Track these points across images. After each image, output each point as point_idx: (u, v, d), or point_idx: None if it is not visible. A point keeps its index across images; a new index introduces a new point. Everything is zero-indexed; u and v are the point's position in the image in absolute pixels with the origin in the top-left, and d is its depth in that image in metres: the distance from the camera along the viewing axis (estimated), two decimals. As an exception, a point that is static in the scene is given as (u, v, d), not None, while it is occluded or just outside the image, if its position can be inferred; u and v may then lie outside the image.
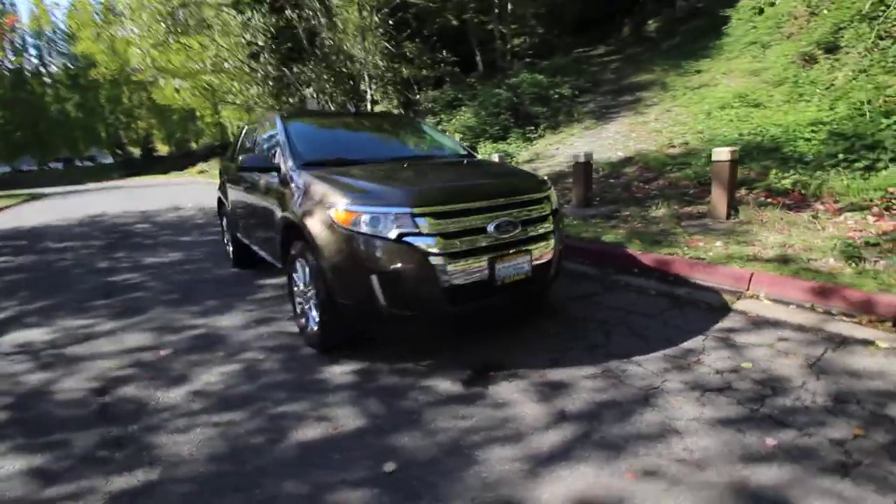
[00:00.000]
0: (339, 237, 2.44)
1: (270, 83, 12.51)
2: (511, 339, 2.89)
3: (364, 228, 2.40)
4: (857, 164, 4.78)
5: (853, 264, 3.27)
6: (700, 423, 1.98)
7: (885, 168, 4.57)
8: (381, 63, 13.36)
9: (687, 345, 2.68)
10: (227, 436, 2.10)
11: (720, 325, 2.92)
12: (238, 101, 13.89)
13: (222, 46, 11.96)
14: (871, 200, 4.27)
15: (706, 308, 3.19)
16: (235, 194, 4.44)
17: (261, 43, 11.68)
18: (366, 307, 2.46)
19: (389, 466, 1.83)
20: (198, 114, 30.66)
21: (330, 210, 2.50)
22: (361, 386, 2.46)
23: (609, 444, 1.88)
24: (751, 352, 2.56)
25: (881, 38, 7.09)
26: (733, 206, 4.66)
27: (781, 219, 4.34)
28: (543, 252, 2.75)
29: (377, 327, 3.04)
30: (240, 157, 3.33)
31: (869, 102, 6.20)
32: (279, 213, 3.08)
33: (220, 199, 5.19)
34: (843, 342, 2.59)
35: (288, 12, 12.17)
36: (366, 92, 13.92)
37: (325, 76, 12.52)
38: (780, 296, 3.23)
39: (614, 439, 1.91)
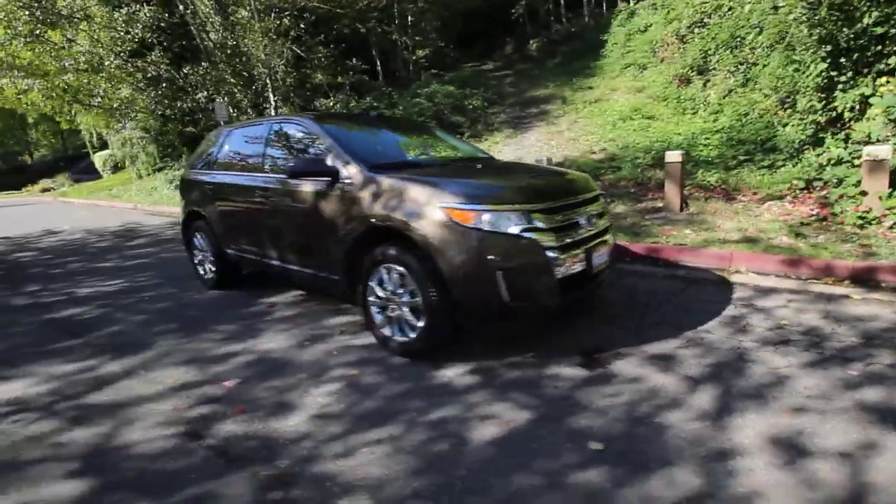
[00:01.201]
0: (462, 236, 2.46)
1: (164, 85, 11.06)
2: (580, 327, 3.14)
3: (486, 226, 2.46)
4: (762, 164, 5.99)
5: (802, 239, 4.17)
6: (795, 368, 2.44)
7: (783, 166, 5.83)
8: (281, 67, 12.69)
9: (728, 313, 3.20)
10: (405, 449, 2.00)
11: (736, 295, 3.51)
12: (115, 105, 12.01)
13: (98, 41, 10.25)
14: (781, 191, 5.41)
15: (714, 284, 3.79)
16: (232, 207, 4.00)
17: (150, 40, 10.30)
18: (489, 303, 2.50)
19: (596, 445, 1.94)
20: (30, 120, 25.67)
21: (443, 210, 2.50)
22: (490, 384, 2.50)
23: (750, 395, 2.23)
24: (777, 312, 3.16)
25: (741, 64, 8.89)
26: (684, 200, 5.51)
27: (724, 209, 5.28)
28: (610, 242, 3.06)
29: (485, 326, 3.04)
30: (290, 164, 3.06)
31: (746, 115, 7.75)
32: (346, 220, 2.93)
33: (191, 213, 4.59)
34: (830, 298, 3.33)
35: (181, 7, 10.98)
36: (268, 98, 13.11)
37: (232, 80, 11.49)
38: (759, 269, 3.98)
39: (749, 390, 2.27)
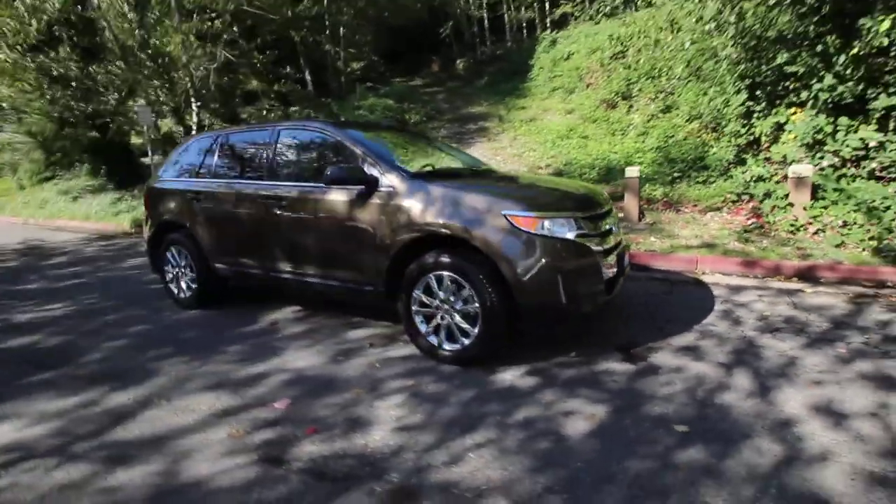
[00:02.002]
0: (526, 242, 2.57)
1: (74, 85, 9.75)
2: (602, 327, 3.38)
3: (547, 232, 2.60)
4: (697, 179, 6.83)
5: (749, 244, 4.85)
6: (797, 350, 2.86)
7: (715, 181, 6.69)
8: (202, 71, 11.88)
9: (718, 308, 3.63)
10: (510, 450, 2.05)
11: (716, 293, 3.99)
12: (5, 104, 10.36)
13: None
14: (717, 203, 6.22)
15: (693, 285, 4.27)
16: (227, 217, 3.72)
17: (59, 33, 9.07)
18: (549, 306, 2.63)
19: (682, 428, 2.15)
20: None
21: (507, 217, 2.60)
22: (552, 383, 2.61)
23: (775, 374, 2.58)
24: (755, 306, 3.65)
25: (661, 92, 10.06)
26: (641, 211, 6.11)
27: (676, 219, 5.94)
28: (628, 248, 3.37)
29: (541, 329, 3.10)
30: (327, 170, 2.94)
31: (672, 137, 8.76)
32: (391, 229, 2.90)
33: (163, 224, 4.17)
34: (789, 292, 3.92)
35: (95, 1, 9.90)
36: (190, 103, 12.18)
37: (156, 82, 10.48)
38: (722, 270, 4.56)
39: (773, 370, 2.62)
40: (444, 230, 2.74)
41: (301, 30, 14.99)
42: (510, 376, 2.71)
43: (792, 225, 5.04)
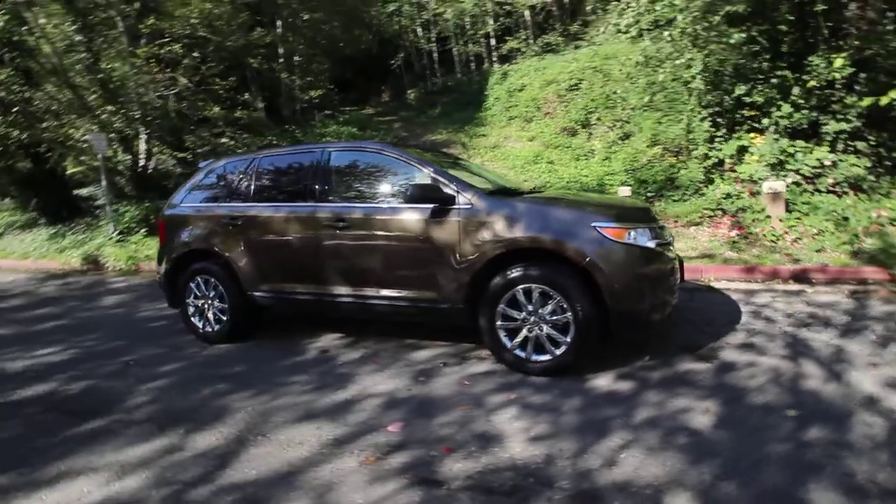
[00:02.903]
0: (618, 251, 2.72)
1: (17, 110, 8.80)
2: (656, 332, 3.58)
3: (634, 242, 2.77)
4: (672, 198, 7.44)
5: (742, 253, 5.36)
6: (836, 340, 3.20)
7: (689, 199, 7.33)
8: (146, 98, 11.28)
9: (746, 310, 3.97)
10: (657, 448, 2.13)
11: (734, 297, 4.36)
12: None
13: None
14: (697, 219, 6.81)
15: (708, 291, 4.64)
16: (274, 240, 3.57)
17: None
18: (639, 311, 2.78)
19: (792, 412, 2.34)
20: None
21: (598, 229, 2.74)
22: (648, 385, 2.73)
23: (835, 360, 2.88)
24: (775, 305, 4.04)
25: (618, 120, 10.91)
26: (633, 228, 6.54)
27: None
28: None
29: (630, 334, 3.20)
30: (408, 189, 2.94)
31: (636, 160, 9.50)
32: (474, 245, 2.94)
33: (187, 254, 3.90)
34: (796, 293, 4.38)
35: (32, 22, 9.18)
36: (138, 131, 11.49)
37: (110, 107, 9.74)
38: (726, 277, 5.00)
39: (830, 357, 2.92)
40: (533, 244, 2.83)
41: (255, 57, 14.71)
42: (604, 382, 2.81)
43: (774, 235, 5.64)
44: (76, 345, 4.14)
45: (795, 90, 5.96)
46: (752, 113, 6.80)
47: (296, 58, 16.48)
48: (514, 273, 2.88)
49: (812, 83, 5.65)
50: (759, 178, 6.41)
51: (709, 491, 1.83)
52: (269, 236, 3.62)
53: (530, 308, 2.88)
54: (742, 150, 6.86)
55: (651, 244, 2.84)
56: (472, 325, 3.11)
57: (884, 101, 4.92)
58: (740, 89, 6.69)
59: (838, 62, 5.23)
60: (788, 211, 5.78)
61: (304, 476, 2.09)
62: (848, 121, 5.69)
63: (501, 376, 2.96)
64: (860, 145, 5.78)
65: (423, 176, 3.20)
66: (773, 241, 5.60)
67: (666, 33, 7.03)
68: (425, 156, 3.58)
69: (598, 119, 11.58)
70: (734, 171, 6.96)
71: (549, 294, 2.82)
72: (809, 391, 2.55)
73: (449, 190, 3.08)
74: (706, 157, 7.29)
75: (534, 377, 2.90)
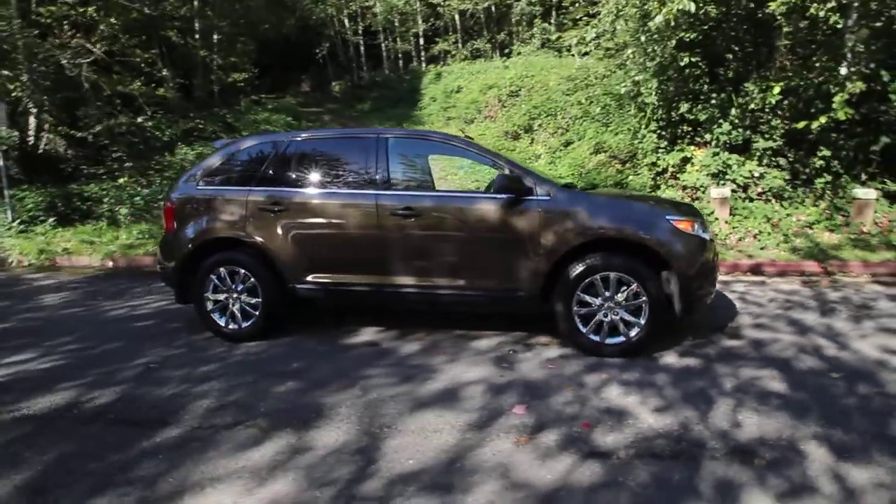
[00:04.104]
0: (690, 241, 3.06)
1: None
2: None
3: (698, 233, 3.12)
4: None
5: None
6: (826, 315, 3.87)
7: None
8: (40, 67, 9.69)
9: (734, 297, 4.58)
10: (775, 408, 2.46)
11: (738, 288, 4.98)
12: None
13: None
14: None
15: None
16: (326, 229, 3.36)
17: None
18: (700, 294, 3.14)
19: (835, 374, 2.83)
20: None
21: (669, 222, 3.05)
22: (709, 360, 3.08)
23: (839, 333, 3.48)
24: (754, 292, 4.72)
25: (560, 128, 11.72)
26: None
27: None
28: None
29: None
30: (494, 180, 2.96)
31: (582, 166, 10.30)
32: (556, 235, 3.08)
33: (205, 243, 3.51)
34: (759, 283, 5.16)
35: None
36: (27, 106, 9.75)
37: (6, 72, 8.02)
38: (695, 270, 5.71)
39: (836, 330, 3.53)
40: (619, 234, 3.05)
41: (172, 30, 13.19)
42: (672, 360, 3.12)
43: (723, 235, 6.55)
44: (58, 350, 3.49)
45: (733, 111, 6.98)
46: (689, 129, 7.82)
47: (215, 35, 15.05)
48: (594, 261, 3.08)
49: (752, 106, 6.67)
50: (702, 186, 7.37)
51: (828, 438, 2.18)
52: (320, 224, 3.39)
53: (607, 294, 3.10)
54: (685, 161, 7.83)
55: (707, 236, 3.22)
56: (540, 312, 3.25)
57: (815, 125, 6.01)
58: (684, 107, 7.63)
59: (777, 89, 6.26)
60: (732, 214, 6.75)
61: (469, 461, 2.07)
62: (774, 140, 6.82)
63: (578, 359, 3.14)
64: (781, 161, 6.95)
65: (499, 167, 3.27)
66: (722, 240, 6.50)
67: (628, 51, 7.78)
68: (488, 148, 3.64)
69: (541, 126, 12.30)
70: (676, 178, 7.92)
71: (624, 280, 3.07)
72: (833, 358, 3.09)
73: (528, 182, 3.18)
74: (654, 164, 8.17)
75: (608, 358, 3.13)
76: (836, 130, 6.44)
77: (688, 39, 7.06)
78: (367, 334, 3.68)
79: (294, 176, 3.54)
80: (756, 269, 5.55)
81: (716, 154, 7.19)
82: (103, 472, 2.04)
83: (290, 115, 14.40)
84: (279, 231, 3.43)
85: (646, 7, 6.90)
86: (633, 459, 2.06)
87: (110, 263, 6.66)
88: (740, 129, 7.00)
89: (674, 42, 6.99)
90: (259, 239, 3.45)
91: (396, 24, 22.02)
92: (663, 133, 8.10)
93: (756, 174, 6.94)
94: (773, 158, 6.99)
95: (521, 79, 14.11)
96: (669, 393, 2.66)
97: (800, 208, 6.69)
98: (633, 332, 3.11)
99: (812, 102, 6.52)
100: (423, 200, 3.30)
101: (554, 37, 18.47)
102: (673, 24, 6.50)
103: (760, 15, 6.74)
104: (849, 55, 6.25)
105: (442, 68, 19.07)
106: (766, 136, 6.91)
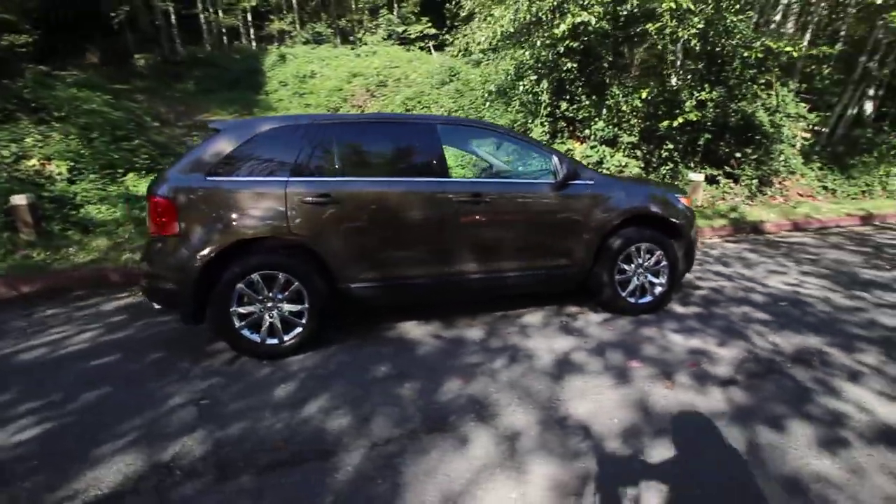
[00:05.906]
0: (691, 216, 3.82)
1: None
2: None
3: (692, 207, 3.93)
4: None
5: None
6: (783, 257, 5.22)
7: (531, 188, 9.22)
8: None
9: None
10: (790, 328, 3.32)
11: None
12: None
13: None
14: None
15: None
16: (399, 221, 3.14)
17: None
18: (693, 257, 3.96)
19: (782, 302, 3.96)
20: None
21: (679, 200, 3.78)
22: (710, 308, 3.93)
23: (766, 271, 4.78)
24: (712, 253, 6.00)
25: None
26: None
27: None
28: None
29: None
30: (563, 168, 3.17)
31: (462, 155, 10.99)
32: (602, 214, 3.51)
33: (230, 247, 2.89)
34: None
35: None
36: None
37: None
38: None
39: (761, 274, 4.82)
40: (646, 211, 3.64)
41: None
42: (681, 309, 3.88)
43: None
44: (45, 410, 2.45)
45: (604, 111, 8.48)
46: (566, 125, 9.19)
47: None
48: (630, 234, 3.62)
49: (625, 108, 8.20)
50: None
51: (851, 349, 3.11)
52: (379, 216, 3.12)
53: (640, 261, 3.69)
54: (566, 152, 9.15)
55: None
56: (585, 283, 3.69)
57: (675, 124, 7.74)
58: (563, 106, 8.92)
59: (644, 93, 7.84)
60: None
61: (656, 409, 2.37)
62: (634, 136, 8.53)
63: (619, 320, 3.64)
64: (638, 153, 8.74)
65: (546, 157, 3.53)
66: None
67: (521, 52, 8.65)
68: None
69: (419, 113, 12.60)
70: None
71: (650, 249, 3.70)
72: (767, 293, 4.27)
73: (577, 168, 3.53)
74: (541, 155, 9.30)
75: (640, 315, 3.72)
76: (677, 129, 8.41)
77: (572, 47, 8.27)
78: (412, 330, 3.53)
79: (340, 165, 3.16)
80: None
81: (594, 147, 8.62)
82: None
83: (112, 96, 11.56)
84: (329, 227, 3.04)
85: (539, 15, 7.81)
86: (750, 379, 2.65)
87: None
88: (610, 127, 8.54)
89: (562, 48, 8.09)
90: (306, 237, 3.01)
91: (220, -7, 19.43)
92: (547, 128, 9.28)
93: (623, 164, 8.58)
94: (633, 150, 8.75)
95: (386, 69, 14.11)
96: (711, 332, 3.38)
97: (654, 189, 8.56)
98: (657, 291, 3.78)
99: (659, 106, 8.38)
100: (490, 187, 3.35)
101: (400, 29, 18.86)
102: (567, 33, 7.54)
103: (633, 33, 8.29)
104: (680, 72, 8.25)
105: (284, 50, 17.63)
106: (628, 132, 8.60)
